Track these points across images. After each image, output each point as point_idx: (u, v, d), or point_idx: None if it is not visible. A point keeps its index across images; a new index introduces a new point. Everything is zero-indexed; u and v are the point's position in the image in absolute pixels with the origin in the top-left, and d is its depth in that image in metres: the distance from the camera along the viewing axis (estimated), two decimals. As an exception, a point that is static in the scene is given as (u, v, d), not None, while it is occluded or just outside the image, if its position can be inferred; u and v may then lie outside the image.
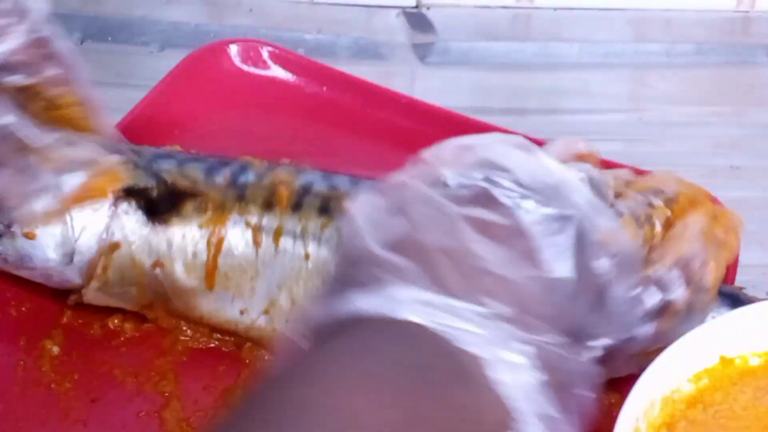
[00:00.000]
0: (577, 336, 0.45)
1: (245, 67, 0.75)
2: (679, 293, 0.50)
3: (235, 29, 0.85)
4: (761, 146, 0.76)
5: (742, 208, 0.65)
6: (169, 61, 0.76)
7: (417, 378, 0.40)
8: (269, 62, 0.75)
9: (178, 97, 0.73)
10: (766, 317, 0.54)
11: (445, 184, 0.46)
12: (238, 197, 0.60)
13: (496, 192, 0.45)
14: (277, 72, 0.75)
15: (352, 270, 0.45)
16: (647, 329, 0.50)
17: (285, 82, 0.75)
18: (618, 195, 0.52)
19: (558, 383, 0.43)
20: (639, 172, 0.57)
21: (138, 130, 0.70)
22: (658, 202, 0.52)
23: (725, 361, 0.53)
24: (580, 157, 0.52)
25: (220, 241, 0.59)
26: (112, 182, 0.59)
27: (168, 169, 0.61)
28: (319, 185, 0.60)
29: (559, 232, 0.45)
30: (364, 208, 0.47)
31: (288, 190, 0.60)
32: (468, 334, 0.41)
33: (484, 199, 0.45)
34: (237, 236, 0.59)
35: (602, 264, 0.46)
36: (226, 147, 0.71)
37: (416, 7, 0.87)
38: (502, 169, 0.46)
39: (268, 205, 0.59)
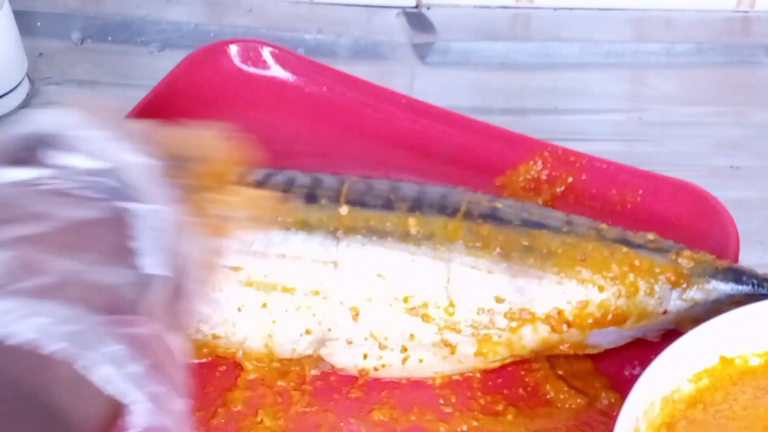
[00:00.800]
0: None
1: (245, 67, 0.75)
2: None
3: (235, 29, 0.85)
4: (761, 146, 0.76)
5: (742, 208, 0.65)
6: (169, 61, 0.76)
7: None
8: (269, 62, 0.75)
9: (178, 97, 0.72)
10: (766, 317, 0.54)
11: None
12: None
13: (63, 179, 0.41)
14: (277, 72, 0.75)
15: None
16: None
17: (285, 82, 0.75)
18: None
19: (156, 357, 0.40)
20: None
21: (138, 130, 0.70)
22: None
23: (725, 361, 0.53)
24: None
25: None
26: None
27: None
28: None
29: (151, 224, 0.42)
30: None
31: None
32: (63, 336, 0.37)
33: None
34: None
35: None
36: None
37: (416, 7, 0.87)
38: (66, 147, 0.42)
39: None
